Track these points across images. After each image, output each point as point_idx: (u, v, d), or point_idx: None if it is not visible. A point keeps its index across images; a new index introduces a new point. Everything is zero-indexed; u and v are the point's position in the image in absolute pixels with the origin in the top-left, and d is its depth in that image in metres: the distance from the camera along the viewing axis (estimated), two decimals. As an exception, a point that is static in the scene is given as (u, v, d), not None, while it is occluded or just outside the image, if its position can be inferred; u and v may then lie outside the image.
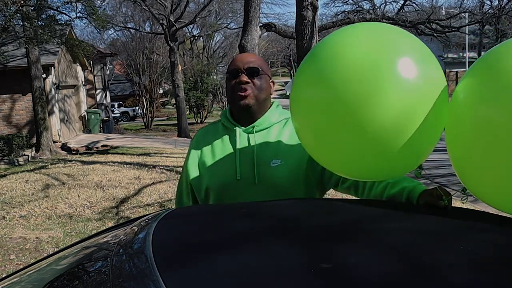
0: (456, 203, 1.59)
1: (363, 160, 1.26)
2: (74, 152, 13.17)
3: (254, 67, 1.60)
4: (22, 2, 10.36)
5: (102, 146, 14.22)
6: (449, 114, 1.20)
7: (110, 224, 5.79)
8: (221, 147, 1.64)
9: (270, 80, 1.67)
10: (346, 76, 1.19)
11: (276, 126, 1.64)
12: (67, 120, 16.56)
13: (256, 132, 1.61)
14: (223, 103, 28.46)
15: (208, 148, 1.66)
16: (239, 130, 1.62)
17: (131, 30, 27.52)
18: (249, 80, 1.58)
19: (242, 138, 1.61)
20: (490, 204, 1.18)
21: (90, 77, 21.21)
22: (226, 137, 1.65)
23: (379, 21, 15.95)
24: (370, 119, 1.17)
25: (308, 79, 1.32)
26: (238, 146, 1.60)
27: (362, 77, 1.18)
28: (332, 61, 1.24)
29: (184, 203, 1.73)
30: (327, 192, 1.72)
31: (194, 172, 1.66)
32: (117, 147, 13.94)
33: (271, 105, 1.69)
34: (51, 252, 4.11)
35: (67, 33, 14.50)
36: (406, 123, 1.17)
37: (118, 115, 31.27)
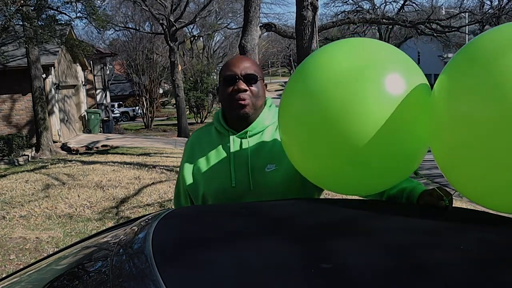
0: (456, 203, 1.59)
1: (351, 174, 1.27)
2: (74, 152, 13.17)
3: (252, 73, 1.56)
4: (22, 2, 10.36)
5: (102, 146, 14.22)
6: (429, 112, 1.20)
7: (110, 224, 5.79)
8: (215, 153, 1.61)
9: (264, 83, 1.64)
10: (328, 88, 1.22)
11: (269, 128, 1.61)
12: (67, 120, 16.56)
13: (249, 136, 1.59)
14: (223, 103, 28.33)
15: (202, 154, 1.64)
16: (232, 136, 1.60)
17: (131, 30, 27.52)
18: (247, 88, 1.55)
19: (235, 144, 1.59)
20: (476, 202, 1.19)
21: (90, 77, 21.20)
22: (220, 143, 1.62)
23: (379, 21, 15.94)
24: (354, 131, 1.19)
25: (293, 92, 1.34)
26: (232, 152, 1.57)
27: (343, 89, 1.20)
28: (315, 74, 1.27)
29: (182, 204, 1.73)
30: (327, 192, 1.71)
31: (189, 179, 1.64)
32: (117, 147, 13.94)
33: (264, 104, 1.66)
34: (51, 252, 4.11)
35: (67, 33, 14.49)
36: (389, 134, 1.18)
37: (118, 115, 31.27)
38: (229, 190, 1.56)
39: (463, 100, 1.08)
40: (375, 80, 1.21)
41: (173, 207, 1.81)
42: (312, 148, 1.29)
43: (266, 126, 1.61)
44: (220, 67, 1.69)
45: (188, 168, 1.65)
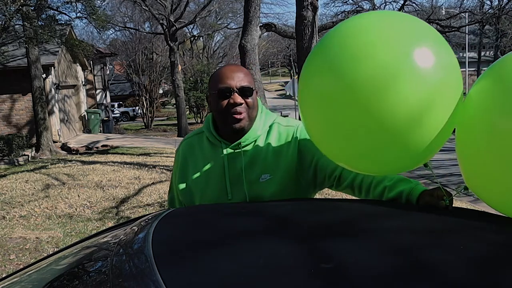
0: (456, 203, 1.58)
1: (373, 153, 1.20)
2: (74, 152, 13.17)
3: (247, 86, 1.52)
4: (22, 2, 10.36)
5: (102, 146, 14.22)
6: (463, 114, 1.18)
7: (110, 224, 5.79)
8: (209, 166, 1.59)
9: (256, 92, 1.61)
10: (358, 63, 1.12)
11: (261, 137, 1.59)
12: (67, 120, 16.56)
13: (242, 147, 1.56)
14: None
15: (195, 165, 1.62)
16: (225, 148, 1.57)
17: (131, 30, 27.53)
18: (243, 101, 1.51)
19: (229, 156, 1.56)
20: (494, 207, 1.18)
21: (90, 77, 21.20)
22: (213, 155, 1.59)
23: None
24: (383, 110, 1.11)
25: (317, 69, 1.23)
26: (226, 165, 1.56)
27: (375, 65, 1.11)
28: (342, 48, 1.16)
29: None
30: (327, 192, 1.71)
31: (184, 191, 1.62)
32: (117, 147, 13.94)
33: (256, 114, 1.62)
34: (51, 252, 4.11)
35: (67, 33, 14.50)
36: (421, 114, 1.12)
37: (118, 115, 31.29)
38: (226, 202, 1.55)
39: (504, 112, 1.06)
40: (408, 54, 1.11)
41: (172, 207, 1.81)
42: (335, 128, 1.21)
43: (258, 136, 1.58)
44: (217, 69, 1.64)
45: (182, 180, 1.63)
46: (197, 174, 1.60)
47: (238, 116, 1.51)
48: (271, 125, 1.61)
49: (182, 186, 1.63)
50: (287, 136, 1.58)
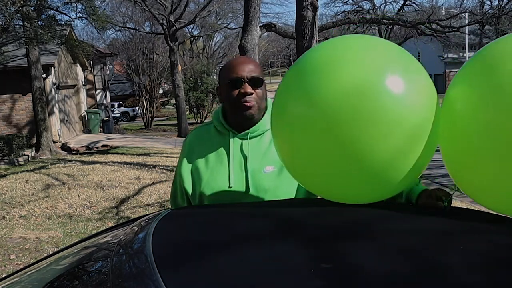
0: (456, 203, 1.58)
1: (357, 185, 1.21)
2: (74, 152, 13.17)
3: (258, 76, 1.56)
4: (22, 2, 10.36)
5: (102, 146, 14.22)
6: (443, 120, 1.18)
7: (110, 224, 5.79)
8: (215, 154, 1.61)
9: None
10: (336, 94, 1.13)
11: (270, 131, 1.61)
12: (67, 120, 16.56)
13: (249, 138, 1.59)
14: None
15: (201, 153, 1.63)
16: (232, 136, 1.60)
17: (131, 30, 27.50)
18: (253, 91, 1.55)
19: (235, 145, 1.59)
20: (484, 205, 1.19)
21: (90, 77, 21.19)
22: (220, 143, 1.62)
23: (379, 21, 15.96)
24: (363, 142, 1.11)
25: (293, 96, 1.24)
26: (231, 153, 1.58)
27: (354, 96, 1.11)
28: (321, 78, 1.16)
29: (179, 203, 1.73)
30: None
31: (187, 178, 1.63)
32: (117, 147, 13.94)
33: (266, 107, 1.65)
34: (51, 252, 4.11)
35: (67, 33, 14.49)
36: (403, 143, 1.12)
37: (118, 115, 31.27)
38: (227, 191, 1.56)
39: (484, 109, 1.07)
40: (387, 86, 1.12)
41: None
42: (313, 159, 1.20)
43: (267, 129, 1.60)
44: (220, 67, 1.68)
45: (186, 167, 1.65)
46: (202, 161, 1.62)
47: (248, 104, 1.55)
48: None
49: (185, 173, 1.64)
50: None
